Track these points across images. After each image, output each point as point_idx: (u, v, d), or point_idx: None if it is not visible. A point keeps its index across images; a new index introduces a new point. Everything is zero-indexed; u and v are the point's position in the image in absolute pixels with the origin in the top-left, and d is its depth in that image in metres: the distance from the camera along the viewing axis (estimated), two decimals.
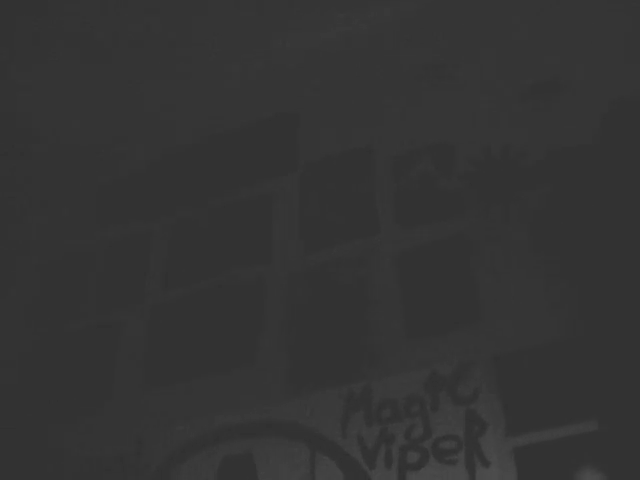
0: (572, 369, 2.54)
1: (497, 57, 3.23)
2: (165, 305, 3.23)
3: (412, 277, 2.91)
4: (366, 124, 3.34)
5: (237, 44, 3.49)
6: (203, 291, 3.20)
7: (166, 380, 3.03)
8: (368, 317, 2.88)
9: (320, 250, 3.09)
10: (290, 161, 3.41)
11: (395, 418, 2.65)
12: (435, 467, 2.53)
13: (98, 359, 3.17)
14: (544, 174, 2.89)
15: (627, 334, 2.52)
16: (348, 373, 2.77)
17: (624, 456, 2.38)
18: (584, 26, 3.12)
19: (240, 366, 2.94)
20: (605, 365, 2.51)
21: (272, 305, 3.05)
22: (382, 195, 3.13)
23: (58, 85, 3.52)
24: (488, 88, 3.19)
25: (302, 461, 2.67)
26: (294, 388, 2.82)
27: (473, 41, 3.30)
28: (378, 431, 2.64)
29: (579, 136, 2.90)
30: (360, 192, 3.19)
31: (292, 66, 3.56)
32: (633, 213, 2.68)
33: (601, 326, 2.57)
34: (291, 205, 3.27)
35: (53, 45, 3.40)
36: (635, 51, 2.95)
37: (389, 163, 3.20)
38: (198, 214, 3.44)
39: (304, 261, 3.10)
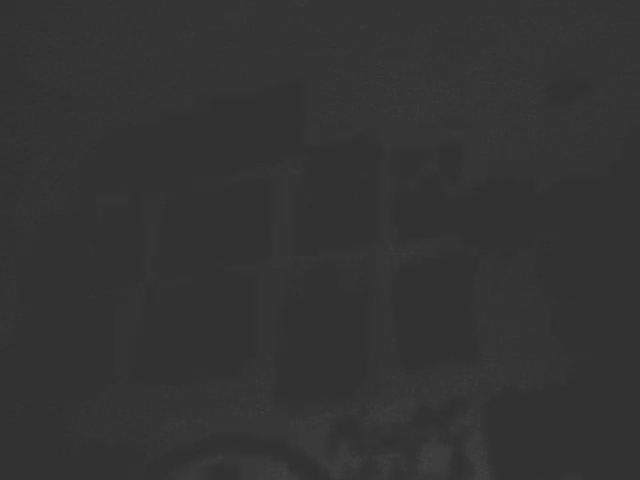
0: (566, 418, 2.51)
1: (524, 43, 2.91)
2: (160, 290, 3.13)
3: (410, 297, 2.76)
4: (373, 106, 3.06)
5: None
6: (191, 285, 3.05)
7: (158, 378, 2.97)
8: (364, 335, 2.75)
9: (318, 253, 2.93)
10: (293, 142, 3.16)
11: (382, 449, 2.61)
12: None
13: (98, 337, 3.11)
14: (554, 207, 2.70)
15: (625, 388, 2.47)
16: (338, 394, 2.68)
17: None
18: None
19: (229, 374, 2.84)
20: (596, 417, 2.48)
21: (264, 309, 2.93)
22: (386, 198, 2.93)
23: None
24: (509, 80, 2.91)
25: None
26: (282, 404, 2.75)
27: (493, 21, 2.97)
28: (364, 460, 2.60)
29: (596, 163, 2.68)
30: (364, 191, 2.99)
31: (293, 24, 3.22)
32: None
33: (600, 377, 2.51)
34: (291, 197, 3.05)
35: None
36: None
37: (396, 159, 2.96)
38: (185, 196, 3.24)
39: (300, 263, 2.95)
